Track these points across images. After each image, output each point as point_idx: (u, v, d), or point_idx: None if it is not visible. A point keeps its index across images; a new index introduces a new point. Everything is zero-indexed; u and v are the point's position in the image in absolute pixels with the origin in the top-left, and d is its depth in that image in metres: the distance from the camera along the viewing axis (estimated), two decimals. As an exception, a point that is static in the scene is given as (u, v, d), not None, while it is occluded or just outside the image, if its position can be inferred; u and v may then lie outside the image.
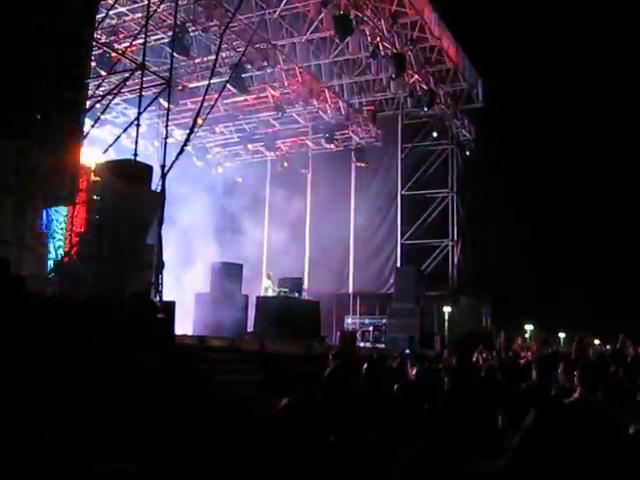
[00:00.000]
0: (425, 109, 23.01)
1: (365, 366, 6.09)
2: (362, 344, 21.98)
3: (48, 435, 5.87)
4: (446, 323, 23.07)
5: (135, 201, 12.86)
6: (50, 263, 11.85)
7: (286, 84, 22.66)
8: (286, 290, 20.39)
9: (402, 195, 26.76)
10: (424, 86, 22.87)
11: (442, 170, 26.32)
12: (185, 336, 13.60)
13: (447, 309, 23.36)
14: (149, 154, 21.24)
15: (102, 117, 16.62)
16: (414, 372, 6.50)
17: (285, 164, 27.96)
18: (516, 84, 25.77)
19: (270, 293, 20.62)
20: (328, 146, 26.52)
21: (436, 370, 7.03)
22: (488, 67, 24.95)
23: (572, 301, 26.57)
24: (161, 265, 13.44)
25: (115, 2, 17.12)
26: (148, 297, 12.44)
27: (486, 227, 24.75)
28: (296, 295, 20.62)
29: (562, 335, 25.79)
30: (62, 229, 12.20)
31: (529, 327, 26.00)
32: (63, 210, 12.28)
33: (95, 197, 12.42)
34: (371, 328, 23.69)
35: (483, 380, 6.32)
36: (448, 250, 25.95)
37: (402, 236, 26.61)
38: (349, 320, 25.30)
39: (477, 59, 24.60)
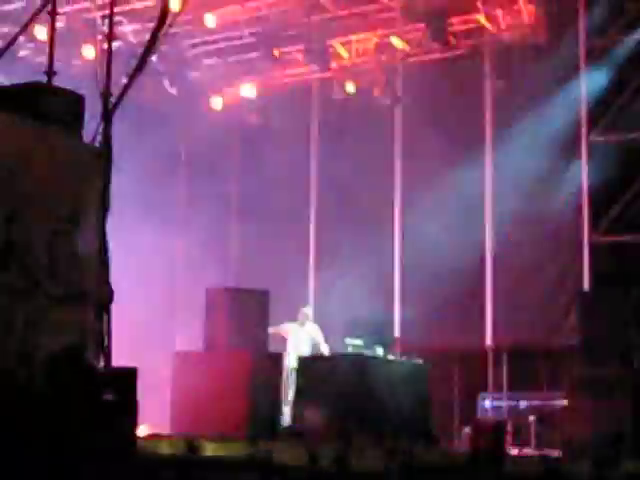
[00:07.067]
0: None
1: None
2: (516, 450, 22.04)
3: None
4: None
5: (52, 167, 13.00)
6: None
7: None
8: (359, 344, 20.55)
9: (590, 143, 26.67)
10: None
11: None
12: (158, 436, 13.65)
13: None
14: (75, 74, 21.54)
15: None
16: None
17: (350, 88, 28.19)
18: None
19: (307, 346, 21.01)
20: (436, 48, 26.63)
21: None
22: None
23: None
24: (107, 295, 13.51)
25: None
26: (84, 360, 12.58)
27: None
28: (379, 353, 20.80)
29: None
30: None
31: None
32: None
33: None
34: (532, 417, 23.74)
35: None
36: (692, 254, 25.69)
37: (593, 227, 26.51)
38: (487, 401, 25.47)
39: None
